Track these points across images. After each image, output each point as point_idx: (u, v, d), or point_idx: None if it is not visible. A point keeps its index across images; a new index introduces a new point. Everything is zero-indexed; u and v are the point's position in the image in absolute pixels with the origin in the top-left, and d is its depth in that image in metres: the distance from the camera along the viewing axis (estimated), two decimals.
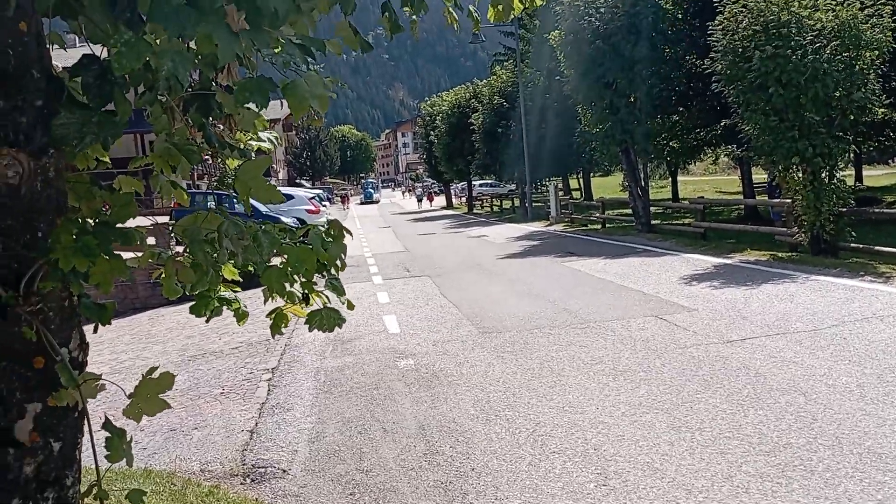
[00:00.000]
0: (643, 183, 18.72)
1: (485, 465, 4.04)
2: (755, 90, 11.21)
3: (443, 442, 4.46)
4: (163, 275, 2.53)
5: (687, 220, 19.95)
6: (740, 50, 11.39)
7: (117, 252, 2.00)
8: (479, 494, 3.67)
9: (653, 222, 18.45)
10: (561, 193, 29.01)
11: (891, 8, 11.13)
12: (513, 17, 3.10)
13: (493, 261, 14.52)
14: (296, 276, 2.43)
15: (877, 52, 10.75)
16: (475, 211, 41.93)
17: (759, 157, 12.00)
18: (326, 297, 2.57)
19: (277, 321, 2.60)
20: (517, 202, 34.95)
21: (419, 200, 61.02)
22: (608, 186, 48.73)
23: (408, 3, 2.63)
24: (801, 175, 11.15)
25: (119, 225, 2.08)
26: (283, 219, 18.34)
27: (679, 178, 36.42)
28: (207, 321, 2.60)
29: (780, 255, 11.57)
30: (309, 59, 2.14)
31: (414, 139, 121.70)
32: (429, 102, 48.52)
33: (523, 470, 3.92)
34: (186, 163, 2.41)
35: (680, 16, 18.84)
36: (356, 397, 5.63)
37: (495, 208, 39.41)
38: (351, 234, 2.45)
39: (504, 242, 18.94)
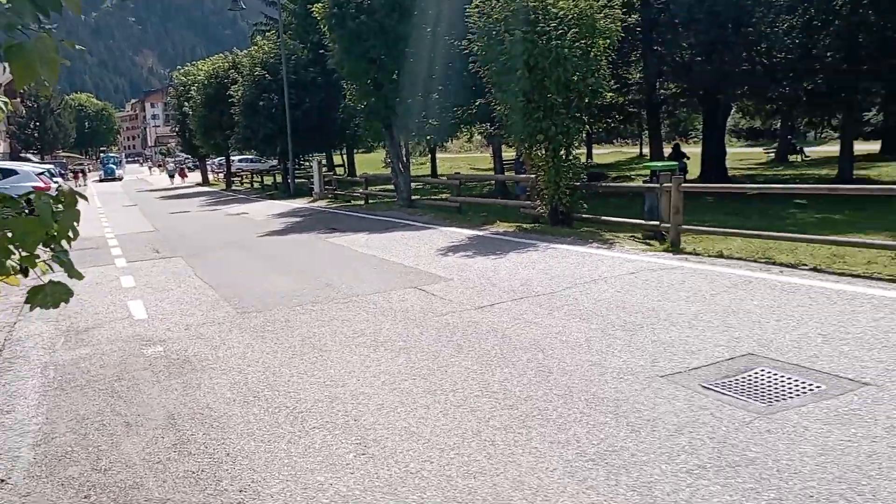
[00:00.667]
0: (405, 159, 19.22)
1: (241, 448, 3.87)
2: (506, 72, 11.99)
3: (195, 430, 4.19)
4: None
5: (444, 195, 20.95)
6: (494, 33, 12.08)
7: None
8: (233, 479, 3.50)
9: (413, 198, 19.08)
10: (325, 169, 28.83)
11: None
12: None
13: (253, 238, 14.00)
14: (17, 250, 2.08)
15: (608, 41, 12.03)
16: (234, 188, 40.11)
17: (510, 135, 12.90)
18: (50, 266, 2.25)
19: None
20: (279, 178, 34.04)
21: (171, 176, 56.72)
22: (371, 163, 49.53)
23: None
24: (543, 152, 12.21)
25: None
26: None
27: (437, 154, 38.10)
28: None
29: (524, 226, 12.62)
30: (41, 18, 1.83)
31: (165, 110, 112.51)
32: (182, 71, 45.03)
33: (282, 449, 3.82)
34: None
35: None
36: (94, 392, 5.07)
37: (256, 185, 38.04)
38: (86, 199, 2.15)
39: (266, 219, 18.36)
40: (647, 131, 30.17)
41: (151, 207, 26.01)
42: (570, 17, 11.75)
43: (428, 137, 26.22)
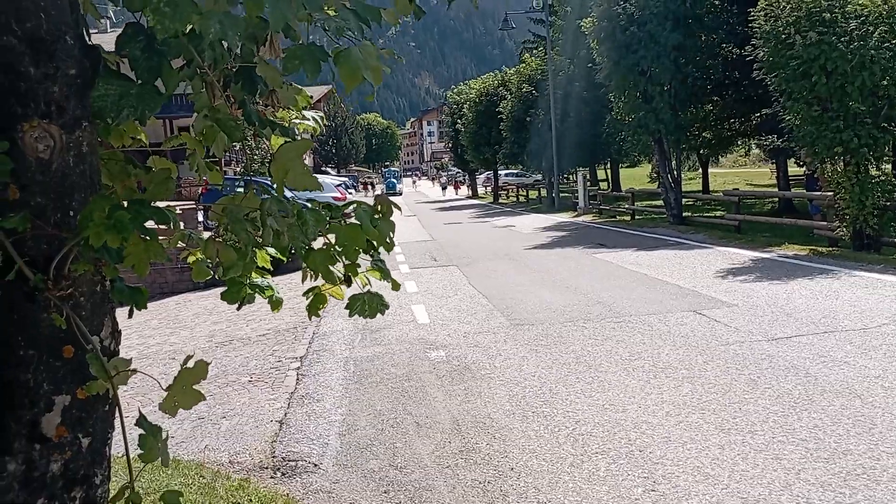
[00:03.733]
0: (675, 174, 18.33)
1: (524, 464, 3.87)
2: (798, 78, 10.82)
3: (479, 438, 4.30)
4: (191, 258, 2.39)
5: (719, 213, 19.56)
6: (783, 36, 11.00)
7: (152, 231, 1.86)
8: (519, 496, 3.51)
9: (684, 214, 18.09)
10: (588, 184, 28.66)
11: None
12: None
13: (521, 251, 14.31)
14: (341, 258, 2.27)
15: None
16: (501, 201, 41.65)
17: (801, 148, 11.62)
18: (367, 279, 2.41)
19: (315, 302, 2.43)
20: (543, 192, 34.60)
21: (443, 189, 60.94)
22: (635, 177, 48.09)
23: None
24: (843, 167, 10.77)
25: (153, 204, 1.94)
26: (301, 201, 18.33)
27: (709, 169, 35.77)
28: (239, 308, 2.46)
29: (819, 249, 11.21)
30: (363, 28, 1.98)
31: (439, 128, 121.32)
32: (456, 90, 48.14)
33: (565, 471, 3.75)
34: (221, 141, 2.28)
35: (717, 2, 18.34)
36: (387, 389, 5.49)
37: (521, 198, 39.05)
38: (400, 210, 2.27)
39: (532, 233, 18.70)
40: None
41: (428, 218, 28.02)
42: (875, 15, 10.24)
43: (701, 151, 24.85)
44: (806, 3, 10.64)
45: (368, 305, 2.28)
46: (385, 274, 2.29)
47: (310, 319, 2.42)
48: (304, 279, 2.33)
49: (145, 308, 2.18)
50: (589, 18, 18.97)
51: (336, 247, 2.17)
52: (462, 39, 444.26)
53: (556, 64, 30.11)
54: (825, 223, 12.04)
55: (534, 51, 41.29)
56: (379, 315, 2.48)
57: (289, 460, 4.21)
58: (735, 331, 6.44)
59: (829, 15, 10.42)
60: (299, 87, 2.42)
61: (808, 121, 10.88)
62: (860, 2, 10.46)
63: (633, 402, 4.72)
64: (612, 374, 5.39)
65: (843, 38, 10.28)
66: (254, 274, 2.47)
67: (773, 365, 5.30)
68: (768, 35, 11.26)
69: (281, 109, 2.47)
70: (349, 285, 2.38)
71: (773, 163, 27.94)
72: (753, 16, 11.83)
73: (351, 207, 2.22)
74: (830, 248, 11.27)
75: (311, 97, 2.55)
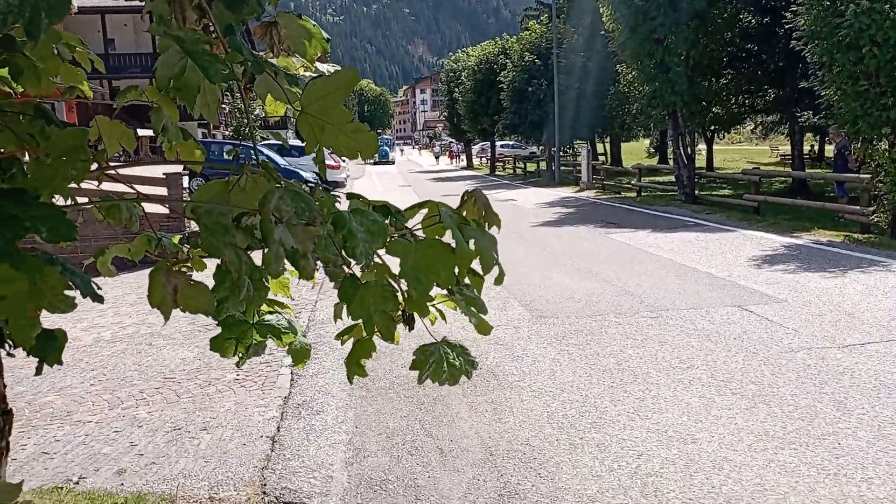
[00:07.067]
0: (689, 150, 17.43)
1: None
2: (844, 50, 9.89)
3: (520, 476, 3.46)
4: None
5: (725, 192, 18.76)
6: (827, 3, 10.04)
7: (32, 260, 0.95)
8: None
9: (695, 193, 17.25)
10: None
11: None
12: None
13: (528, 228, 13.43)
14: (407, 291, 1.35)
15: None
16: (497, 173, 40.61)
17: (841, 126, 10.73)
18: (441, 313, 1.54)
19: (357, 355, 1.52)
20: (542, 165, 33.64)
21: (437, 157, 59.79)
22: (632, 152, 47.19)
23: None
24: (887, 147, 9.92)
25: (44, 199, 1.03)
26: (303, 174, 17.27)
27: (713, 146, 34.85)
28: (239, 364, 1.56)
29: (855, 236, 10.40)
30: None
31: (433, 96, 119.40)
32: (453, 58, 46.75)
33: None
34: (212, 94, 1.36)
35: None
36: (398, 398, 4.63)
37: (518, 170, 38.02)
38: (498, 226, 1.39)
39: (535, 208, 17.81)
40: None
41: (425, 190, 27.00)
42: None
43: (713, 127, 23.95)
44: None
45: (448, 364, 1.38)
46: (478, 307, 1.40)
47: (350, 382, 1.54)
48: (336, 316, 1.46)
49: (60, 363, 1.26)
50: None
51: (393, 280, 1.28)
52: (457, 7, 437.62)
53: (561, 33, 28.92)
54: (857, 207, 11.23)
55: (538, 18, 39.86)
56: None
57: (283, 502, 3.35)
58: (795, 333, 5.62)
59: None
60: (311, 21, 1.50)
61: (851, 96, 9.99)
62: None
63: (701, 429, 3.89)
64: (666, 388, 4.56)
65: (895, 7, 9.36)
66: (265, 305, 1.59)
67: (856, 381, 4.49)
68: (812, 2, 10.29)
69: (283, 55, 1.53)
70: (411, 328, 1.49)
71: (775, 139, 26.92)
72: None
73: (421, 212, 1.33)
74: (867, 235, 10.47)
75: (329, 40, 1.59)
